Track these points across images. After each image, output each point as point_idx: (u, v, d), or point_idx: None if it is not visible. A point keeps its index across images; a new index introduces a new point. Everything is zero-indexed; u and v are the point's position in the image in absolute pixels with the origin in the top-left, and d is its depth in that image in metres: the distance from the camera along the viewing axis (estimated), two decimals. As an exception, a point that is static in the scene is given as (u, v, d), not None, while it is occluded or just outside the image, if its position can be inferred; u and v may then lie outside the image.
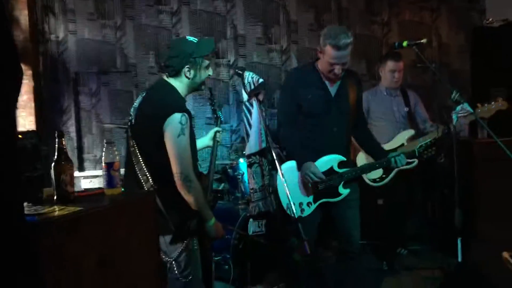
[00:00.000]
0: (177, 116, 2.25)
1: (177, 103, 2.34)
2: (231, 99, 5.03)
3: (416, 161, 3.74)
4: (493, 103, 3.49)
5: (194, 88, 2.49)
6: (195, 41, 2.45)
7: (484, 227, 3.86)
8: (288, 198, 2.25)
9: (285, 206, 2.65)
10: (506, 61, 4.25)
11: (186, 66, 2.39)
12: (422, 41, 3.02)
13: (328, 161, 2.93)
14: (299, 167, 2.85)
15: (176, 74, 2.41)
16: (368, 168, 3.13)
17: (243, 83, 2.50)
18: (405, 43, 3.04)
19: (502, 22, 4.47)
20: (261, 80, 2.45)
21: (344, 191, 2.95)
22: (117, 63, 4.82)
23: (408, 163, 3.70)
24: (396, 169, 3.78)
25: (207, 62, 2.44)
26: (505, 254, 3.31)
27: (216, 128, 2.84)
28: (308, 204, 2.90)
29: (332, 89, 3.00)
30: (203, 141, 2.89)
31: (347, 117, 3.02)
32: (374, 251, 4.30)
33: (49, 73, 4.68)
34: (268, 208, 2.66)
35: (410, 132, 3.92)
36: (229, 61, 5.03)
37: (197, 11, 4.93)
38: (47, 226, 1.53)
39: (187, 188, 2.26)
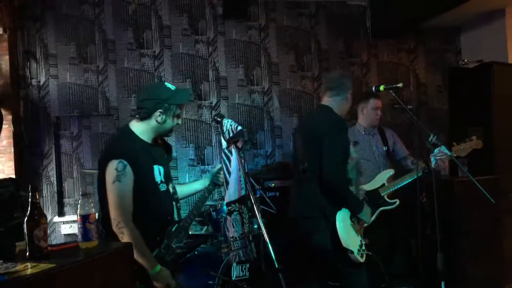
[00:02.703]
0: (113, 163, 2.30)
1: (118, 150, 2.37)
2: (214, 140, 5.04)
3: (397, 201, 3.76)
4: (468, 142, 3.56)
5: (161, 133, 2.52)
6: (173, 88, 2.48)
7: (468, 267, 3.85)
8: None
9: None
10: (482, 101, 4.35)
11: (159, 111, 2.41)
12: (398, 85, 3.09)
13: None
14: (356, 212, 3.16)
15: (147, 117, 2.42)
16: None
17: (222, 131, 2.51)
18: (382, 88, 3.11)
19: (477, 63, 4.59)
20: (239, 127, 2.46)
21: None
22: (99, 107, 4.82)
23: (390, 204, 3.74)
24: (379, 210, 3.78)
25: (179, 111, 2.47)
26: (490, 294, 3.31)
27: (218, 167, 2.74)
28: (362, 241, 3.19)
29: None
30: (195, 185, 2.85)
31: None
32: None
33: (30, 117, 4.65)
34: (249, 256, 2.62)
35: (390, 171, 3.92)
36: (212, 102, 5.06)
37: (179, 54, 5.00)
38: (18, 286, 1.49)
39: (119, 235, 2.26)
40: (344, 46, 5.35)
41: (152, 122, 2.43)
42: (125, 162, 2.29)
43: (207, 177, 2.82)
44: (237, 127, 2.47)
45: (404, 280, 4.45)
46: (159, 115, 2.41)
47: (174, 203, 2.61)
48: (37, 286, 1.53)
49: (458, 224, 3.93)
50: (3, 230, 2.03)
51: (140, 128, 2.45)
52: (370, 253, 2.97)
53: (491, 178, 3.90)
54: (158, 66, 4.97)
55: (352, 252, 2.88)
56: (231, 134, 2.47)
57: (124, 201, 2.29)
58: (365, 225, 3.43)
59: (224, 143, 2.55)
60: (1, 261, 1.68)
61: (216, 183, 2.74)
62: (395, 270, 4.44)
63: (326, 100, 3.34)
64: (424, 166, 3.62)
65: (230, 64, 5.12)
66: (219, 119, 2.57)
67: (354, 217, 3.21)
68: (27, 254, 1.74)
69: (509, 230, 4.33)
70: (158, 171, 2.47)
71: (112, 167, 2.29)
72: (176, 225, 2.53)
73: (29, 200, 1.74)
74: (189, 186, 2.90)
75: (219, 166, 2.75)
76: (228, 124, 2.51)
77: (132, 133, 2.45)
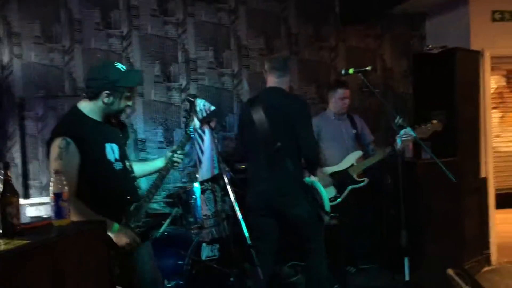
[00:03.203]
0: (57, 141, 2.28)
1: (63, 127, 2.35)
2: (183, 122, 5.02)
3: (366, 179, 3.91)
4: (428, 124, 3.70)
5: (110, 114, 2.48)
6: (123, 70, 2.43)
7: (429, 246, 4.02)
8: None
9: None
10: (445, 85, 4.49)
11: (105, 92, 2.37)
12: (367, 68, 3.17)
13: None
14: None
15: (94, 97, 2.39)
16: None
17: (195, 111, 2.51)
18: (351, 71, 3.18)
19: (440, 49, 4.72)
20: (212, 107, 2.48)
21: None
22: (65, 87, 4.72)
23: (358, 182, 3.90)
24: (348, 189, 3.91)
25: (128, 93, 2.43)
26: (450, 271, 3.47)
27: (173, 147, 2.68)
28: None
29: None
30: (156, 164, 2.74)
31: None
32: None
33: (-7, 98, 4.52)
34: (221, 234, 2.66)
35: (359, 153, 4.07)
36: (181, 85, 5.03)
37: (148, 35, 4.93)
38: (-8, 262, 1.48)
39: None
40: (314, 31, 5.39)
41: (99, 103, 2.39)
42: (69, 140, 2.26)
43: (166, 155, 2.72)
44: (210, 107, 2.49)
45: (369, 259, 4.61)
46: (106, 96, 2.37)
47: (133, 181, 2.56)
48: (12, 262, 1.52)
49: (421, 204, 4.08)
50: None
51: (88, 107, 2.41)
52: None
53: (453, 160, 4.05)
54: (126, 47, 4.90)
55: (329, 215, 3.02)
56: (204, 114, 2.48)
57: (66, 178, 2.22)
58: (337, 201, 3.60)
59: (197, 123, 2.56)
60: (-27, 238, 1.67)
61: (175, 161, 2.66)
62: (361, 249, 4.59)
63: (274, 81, 3.30)
64: (390, 148, 3.75)
65: (199, 46, 5.09)
66: (192, 99, 2.57)
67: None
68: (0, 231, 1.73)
69: (469, 210, 4.53)
70: (111, 150, 2.43)
71: (56, 144, 2.27)
72: (134, 204, 2.47)
73: (1, 177, 1.72)
74: (150, 164, 2.82)
75: (177, 145, 2.69)
76: (201, 104, 2.52)
77: (79, 111, 2.41)
